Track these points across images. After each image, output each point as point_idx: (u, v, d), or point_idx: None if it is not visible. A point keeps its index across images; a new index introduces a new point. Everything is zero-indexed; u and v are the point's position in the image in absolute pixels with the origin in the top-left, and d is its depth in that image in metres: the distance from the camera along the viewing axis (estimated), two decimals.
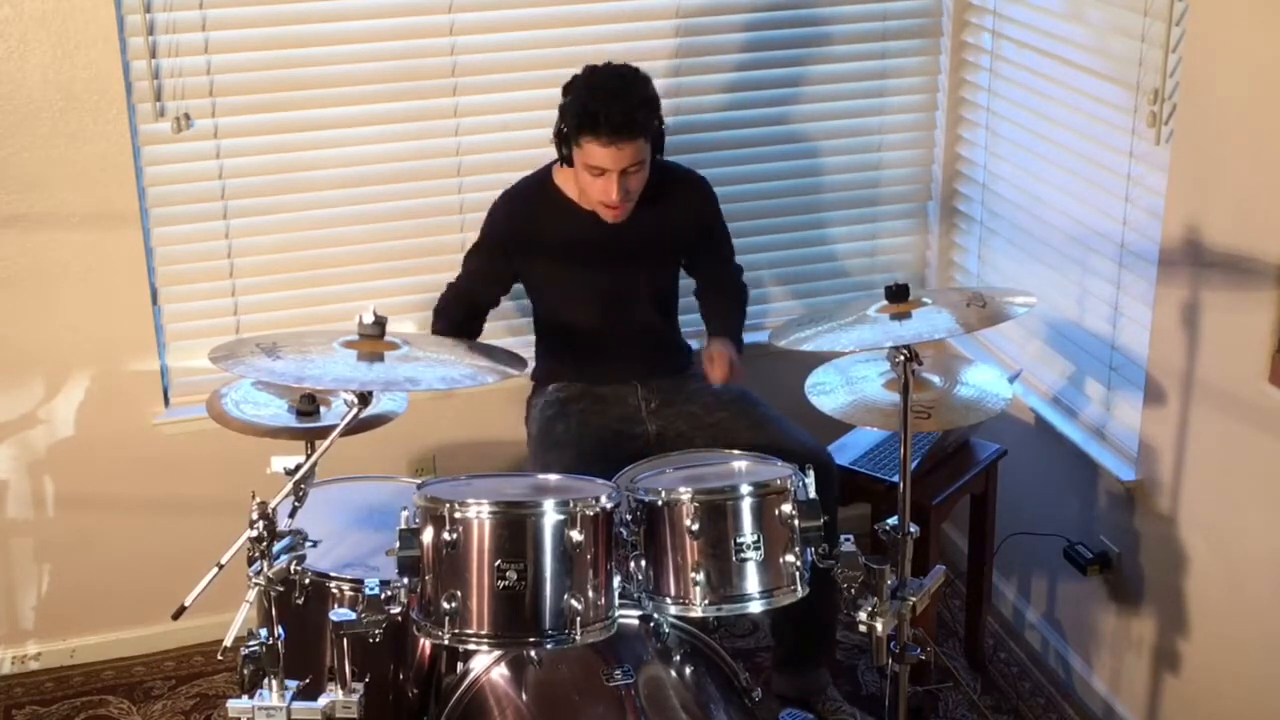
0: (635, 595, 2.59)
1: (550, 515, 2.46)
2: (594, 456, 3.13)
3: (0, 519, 3.63)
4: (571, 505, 2.47)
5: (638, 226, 3.25)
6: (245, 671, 2.37)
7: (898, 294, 2.66)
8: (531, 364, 3.42)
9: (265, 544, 2.33)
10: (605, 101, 3.05)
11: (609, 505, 2.53)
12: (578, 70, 3.19)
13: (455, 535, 2.44)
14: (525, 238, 3.30)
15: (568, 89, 3.16)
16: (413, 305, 3.72)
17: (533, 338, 3.53)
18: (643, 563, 2.57)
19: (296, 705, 2.38)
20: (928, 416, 2.74)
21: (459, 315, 3.39)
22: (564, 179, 3.30)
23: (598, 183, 3.13)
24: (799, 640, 3.38)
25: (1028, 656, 3.77)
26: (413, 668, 2.84)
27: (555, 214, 3.29)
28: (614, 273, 3.31)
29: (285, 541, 2.40)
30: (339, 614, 2.43)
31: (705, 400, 3.34)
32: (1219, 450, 3.01)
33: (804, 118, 3.91)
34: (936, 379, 2.86)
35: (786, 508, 2.54)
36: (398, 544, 2.46)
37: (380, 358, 2.51)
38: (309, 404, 2.99)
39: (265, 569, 2.34)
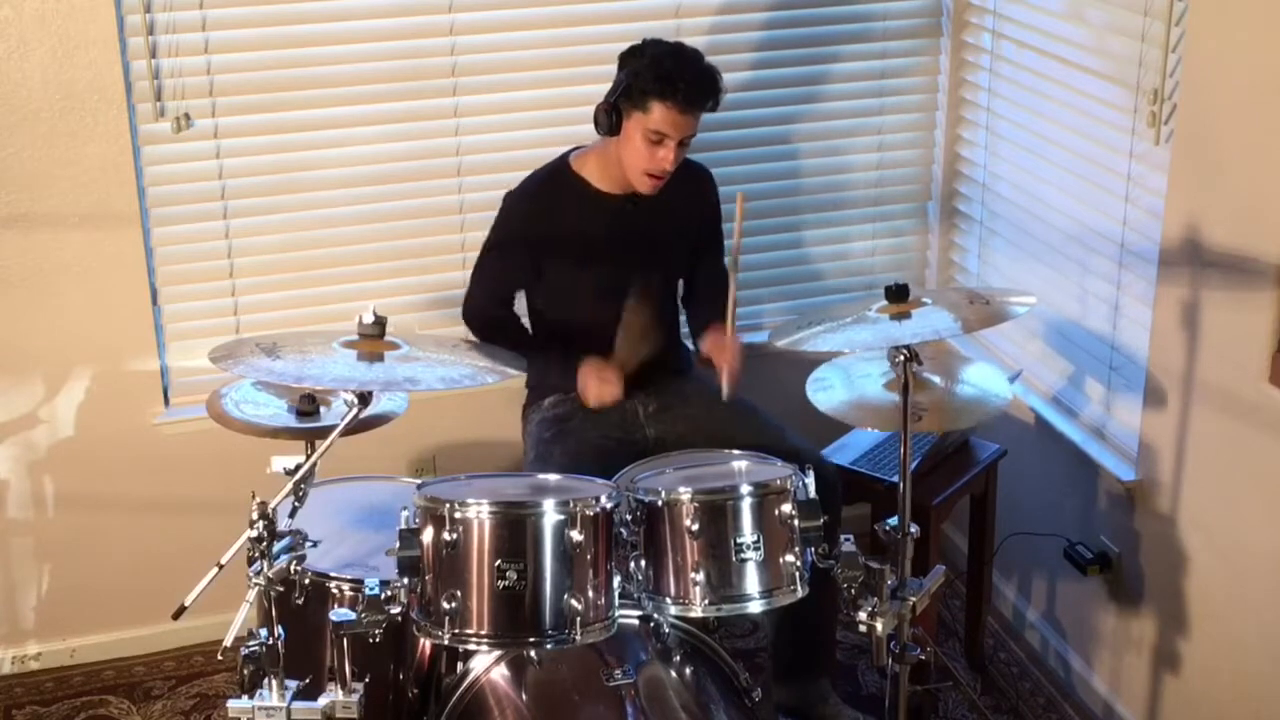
0: (635, 595, 2.58)
1: (550, 515, 2.46)
2: (593, 472, 3.12)
3: (0, 519, 3.63)
4: (571, 505, 2.47)
5: (658, 211, 3.23)
6: (245, 671, 2.37)
7: (898, 294, 2.66)
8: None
9: (265, 544, 2.33)
10: (688, 69, 3.09)
11: (609, 505, 2.52)
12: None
13: (455, 535, 2.44)
14: (547, 228, 3.26)
15: (629, 57, 3.14)
16: (413, 305, 3.73)
17: None
18: (643, 563, 2.56)
19: (296, 705, 2.38)
20: (919, 418, 2.74)
21: (495, 319, 3.35)
22: (583, 165, 3.27)
23: (655, 150, 3.11)
24: (798, 652, 3.37)
25: (1028, 656, 3.77)
26: (413, 668, 2.84)
27: (577, 201, 3.26)
28: (633, 260, 3.27)
29: (285, 541, 2.40)
30: (339, 614, 2.43)
31: (703, 403, 3.33)
32: (1219, 450, 3.01)
33: (804, 118, 3.91)
34: (937, 379, 2.85)
35: (786, 508, 2.54)
36: (398, 544, 2.45)
37: (380, 358, 2.51)
38: (309, 404, 2.99)
39: (265, 569, 2.34)
